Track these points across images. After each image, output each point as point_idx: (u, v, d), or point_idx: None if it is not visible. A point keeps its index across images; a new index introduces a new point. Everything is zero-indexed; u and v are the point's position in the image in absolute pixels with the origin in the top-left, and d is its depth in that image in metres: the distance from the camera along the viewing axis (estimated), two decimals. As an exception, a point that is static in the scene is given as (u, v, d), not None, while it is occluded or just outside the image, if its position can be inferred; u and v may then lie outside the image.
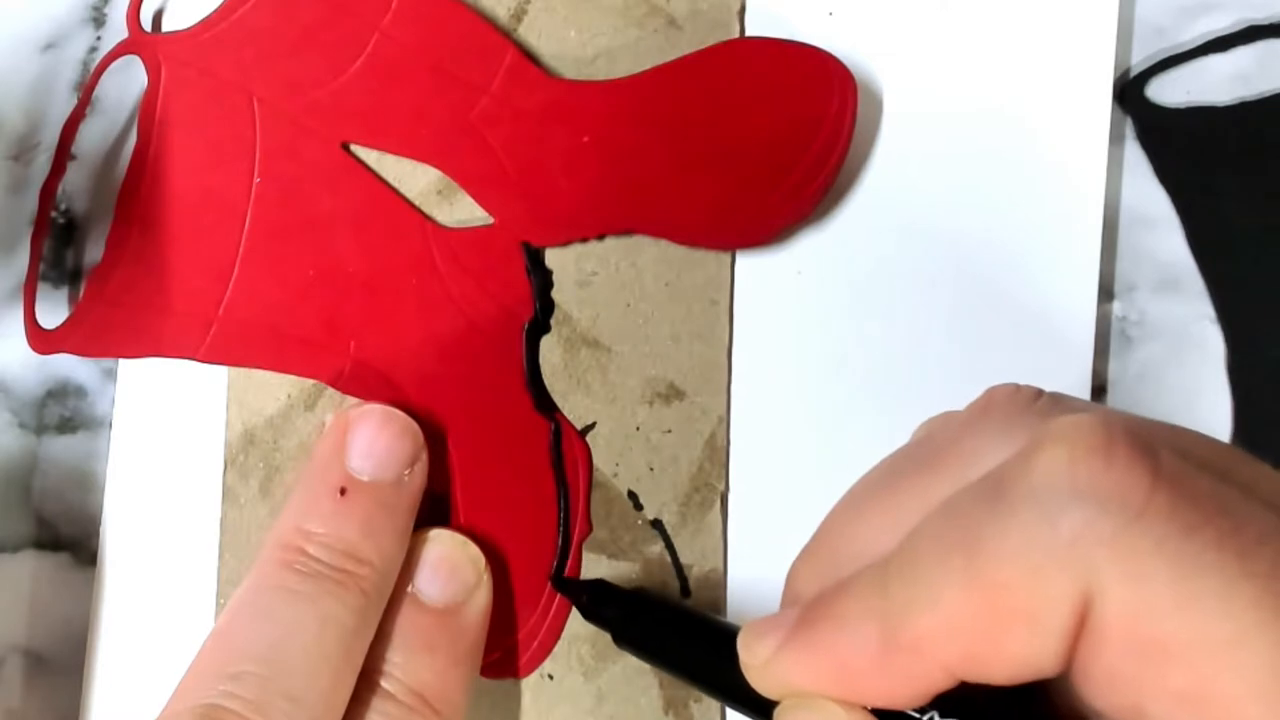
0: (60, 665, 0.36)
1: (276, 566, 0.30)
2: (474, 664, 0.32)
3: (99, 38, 0.37)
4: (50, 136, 0.36)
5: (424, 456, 0.32)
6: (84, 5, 0.37)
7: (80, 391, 0.37)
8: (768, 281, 0.34)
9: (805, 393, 0.33)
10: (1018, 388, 0.22)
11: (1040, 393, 0.22)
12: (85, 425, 0.37)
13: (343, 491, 0.31)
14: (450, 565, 0.32)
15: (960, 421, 0.22)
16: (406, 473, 0.32)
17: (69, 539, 0.36)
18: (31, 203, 0.36)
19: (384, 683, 0.30)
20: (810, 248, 0.34)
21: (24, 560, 0.36)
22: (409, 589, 0.31)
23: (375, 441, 0.31)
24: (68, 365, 0.37)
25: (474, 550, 0.32)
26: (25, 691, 0.36)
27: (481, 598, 0.32)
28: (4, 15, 0.37)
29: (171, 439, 0.35)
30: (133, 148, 0.34)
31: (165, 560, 0.35)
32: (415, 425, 0.32)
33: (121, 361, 0.36)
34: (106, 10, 0.37)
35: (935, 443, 0.22)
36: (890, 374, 0.33)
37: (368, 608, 0.30)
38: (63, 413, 0.37)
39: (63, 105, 0.37)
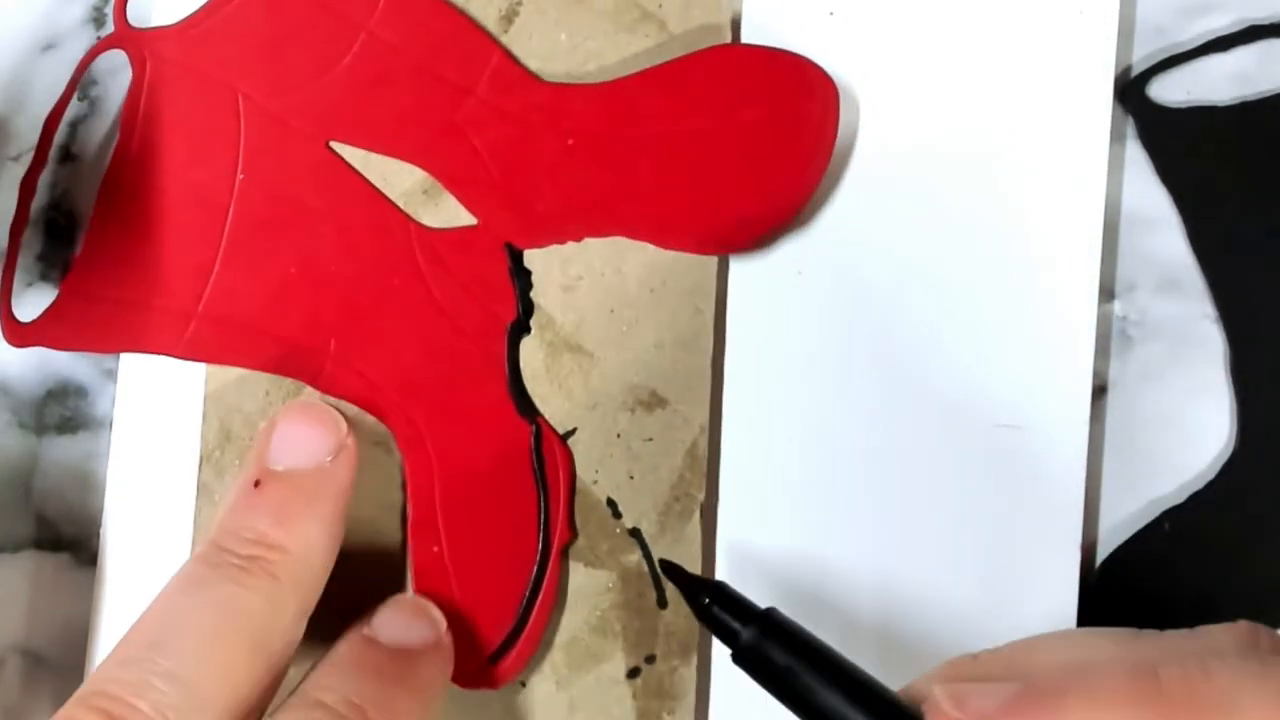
0: (60, 665, 0.36)
1: (190, 566, 0.30)
2: (426, 709, 0.30)
3: (99, 38, 0.37)
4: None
5: (351, 445, 0.31)
6: (84, 5, 0.37)
7: (80, 391, 0.37)
8: (765, 284, 0.34)
9: (802, 397, 0.33)
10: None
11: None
12: (85, 425, 0.37)
13: (257, 484, 0.31)
14: (410, 610, 0.32)
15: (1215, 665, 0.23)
16: (328, 459, 0.31)
17: (69, 539, 0.36)
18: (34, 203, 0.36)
19: (320, 695, 0.29)
20: (810, 249, 0.34)
21: (24, 560, 0.36)
22: (364, 630, 0.31)
23: (291, 433, 0.31)
24: (68, 365, 0.37)
25: (435, 612, 0.32)
26: (25, 691, 0.36)
27: (441, 658, 0.31)
28: (4, 15, 0.37)
29: (172, 439, 0.35)
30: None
31: (165, 560, 0.35)
32: (339, 415, 0.32)
33: (122, 361, 0.36)
34: (107, 10, 0.37)
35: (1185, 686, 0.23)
36: (890, 376, 0.33)
37: (277, 590, 0.29)
38: (63, 413, 0.37)
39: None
